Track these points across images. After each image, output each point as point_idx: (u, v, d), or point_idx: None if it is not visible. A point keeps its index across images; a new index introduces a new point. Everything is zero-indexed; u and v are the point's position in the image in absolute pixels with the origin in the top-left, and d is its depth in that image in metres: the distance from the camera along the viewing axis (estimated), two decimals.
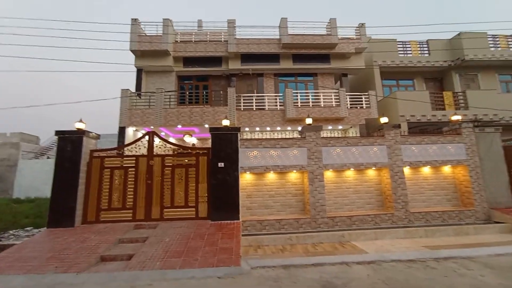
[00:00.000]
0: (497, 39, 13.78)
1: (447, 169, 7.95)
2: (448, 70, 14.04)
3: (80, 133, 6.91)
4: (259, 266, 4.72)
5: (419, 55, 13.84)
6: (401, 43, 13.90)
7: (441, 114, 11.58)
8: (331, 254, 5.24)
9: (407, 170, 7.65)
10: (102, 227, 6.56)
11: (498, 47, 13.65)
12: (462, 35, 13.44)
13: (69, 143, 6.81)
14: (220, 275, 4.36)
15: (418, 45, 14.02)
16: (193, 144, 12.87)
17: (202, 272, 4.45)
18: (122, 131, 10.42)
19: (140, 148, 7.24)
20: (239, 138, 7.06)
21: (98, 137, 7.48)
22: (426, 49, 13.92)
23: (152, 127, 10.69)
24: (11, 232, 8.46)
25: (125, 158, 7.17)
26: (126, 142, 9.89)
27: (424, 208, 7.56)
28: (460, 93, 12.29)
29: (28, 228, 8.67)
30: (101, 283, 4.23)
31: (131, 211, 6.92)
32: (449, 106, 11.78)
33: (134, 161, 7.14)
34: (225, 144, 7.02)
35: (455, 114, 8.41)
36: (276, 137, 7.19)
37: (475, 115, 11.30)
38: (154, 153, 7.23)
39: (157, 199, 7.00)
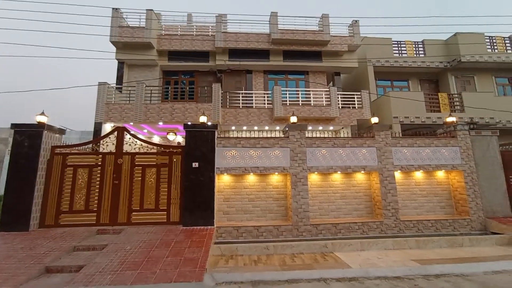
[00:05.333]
0: (495, 40, 13.39)
1: (441, 174, 7.43)
2: (444, 72, 13.61)
3: (40, 126, 6.25)
4: (225, 281, 4.12)
5: (415, 55, 13.39)
6: (396, 42, 13.44)
7: (436, 116, 11.11)
8: (309, 267, 4.65)
9: (398, 175, 7.12)
10: (60, 231, 5.90)
11: (496, 49, 13.26)
12: (458, 36, 13.01)
13: (27, 137, 6.14)
14: None
15: (414, 45, 13.57)
16: (178, 143, 12.23)
17: None
18: (98, 127, 9.74)
19: (108, 145, 6.60)
20: (216, 136, 6.47)
21: (62, 132, 6.82)
22: (422, 49, 13.48)
23: (131, 123, 10.04)
24: None
25: (90, 156, 6.52)
26: None
27: (416, 216, 7.02)
28: (456, 95, 11.84)
29: None
30: None
31: (95, 214, 6.27)
32: (444, 108, 11.31)
33: (100, 159, 6.50)
34: (200, 143, 6.41)
35: (450, 116, 7.92)
36: (256, 136, 6.59)
37: (471, 118, 10.83)
38: (124, 151, 6.61)
39: (125, 201, 6.37)
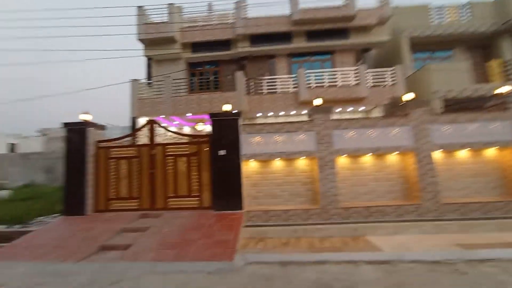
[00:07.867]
0: None
1: (490, 152, 6.64)
2: (496, 36, 11.77)
3: (85, 124, 6.98)
4: (254, 261, 4.31)
5: (460, 19, 11.75)
6: (435, 8, 11.91)
7: (486, 88, 9.77)
8: (338, 250, 4.63)
9: (438, 154, 6.53)
10: (110, 215, 6.67)
11: None
12: None
13: (75, 134, 6.92)
14: (210, 270, 4.05)
15: (457, 9, 11.89)
16: (208, 132, 12.69)
17: (192, 266, 4.18)
18: (134, 121, 10.53)
19: (142, 138, 7.14)
20: (240, 123, 6.57)
21: (103, 127, 7.53)
22: (469, 12, 11.76)
23: (163, 116, 10.64)
24: (40, 218, 9.11)
25: (128, 148, 7.13)
26: None
27: (460, 198, 6.44)
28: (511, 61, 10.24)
29: (56, 215, 9.26)
30: (94, 273, 4.17)
31: (138, 200, 6.93)
32: (497, 78, 9.88)
33: (136, 151, 7.08)
34: (225, 131, 6.59)
35: (504, 85, 6.92)
36: (281, 122, 6.53)
37: None
38: (156, 142, 7.09)
39: (161, 189, 6.90)
